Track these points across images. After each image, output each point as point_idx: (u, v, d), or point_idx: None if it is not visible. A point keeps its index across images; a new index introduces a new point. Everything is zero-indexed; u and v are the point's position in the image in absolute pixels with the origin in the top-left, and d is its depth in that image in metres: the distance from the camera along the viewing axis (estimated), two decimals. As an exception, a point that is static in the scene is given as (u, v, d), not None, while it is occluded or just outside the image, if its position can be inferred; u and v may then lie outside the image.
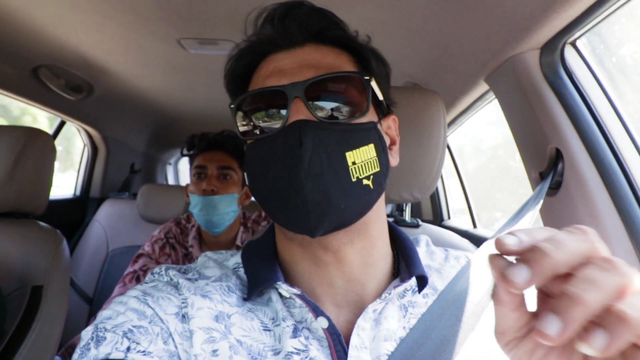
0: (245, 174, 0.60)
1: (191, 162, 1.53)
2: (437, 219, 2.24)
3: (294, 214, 0.52)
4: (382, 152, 0.56)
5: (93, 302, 2.09)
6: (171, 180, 3.60)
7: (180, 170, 3.71)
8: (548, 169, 0.93)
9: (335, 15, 0.61)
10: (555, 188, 0.93)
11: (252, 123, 0.58)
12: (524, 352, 0.35)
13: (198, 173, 1.46)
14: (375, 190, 0.55)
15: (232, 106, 0.59)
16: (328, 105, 0.55)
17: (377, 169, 0.55)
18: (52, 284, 1.05)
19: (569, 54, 0.91)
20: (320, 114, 0.53)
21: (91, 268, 2.13)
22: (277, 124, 0.54)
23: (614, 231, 0.83)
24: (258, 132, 0.57)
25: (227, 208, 1.44)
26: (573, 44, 0.91)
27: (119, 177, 2.59)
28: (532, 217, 0.71)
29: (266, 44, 0.60)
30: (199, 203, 1.42)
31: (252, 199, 1.58)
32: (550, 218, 0.98)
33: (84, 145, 2.43)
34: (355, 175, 0.52)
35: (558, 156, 0.91)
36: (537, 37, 0.88)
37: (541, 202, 0.77)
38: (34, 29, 1.31)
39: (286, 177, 0.51)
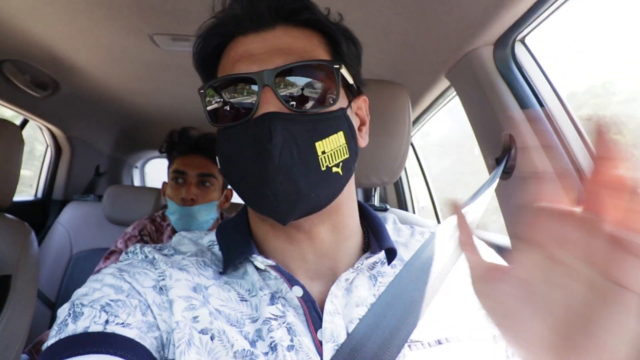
0: (217, 157, 0.60)
1: (170, 162, 1.48)
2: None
3: (265, 203, 0.54)
4: (351, 139, 0.58)
5: (55, 307, 2.01)
6: (137, 184, 3.52)
7: (147, 174, 3.64)
8: (502, 155, 1.02)
9: None
10: (509, 172, 1.01)
11: (221, 108, 0.58)
12: (494, 296, 0.36)
13: (177, 178, 1.41)
14: (345, 176, 0.57)
15: (202, 91, 0.59)
16: (297, 93, 0.55)
17: (347, 156, 0.56)
18: (20, 274, 1.03)
19: (519, 50, 1.01)
20: (289, 103, 0.54)
21: (54, 272, 2.06)
22: (246, 112, 0.55)
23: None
24: (228, 118, 0.57)
25: (207, 217, 1.41)
26: (522, 41, 1.00)
27: (83, 180, 2.52)
28: (489, 196, 0.78)
29: (234, 24, 0.58)
30: (177, 211, 1.38)
31: (232, 201, 1.58)
32: (506, 200, 1.06)
33: (47, 146, 2.36)
34: (325, 164, 0.54)
35: (511, 142, 0.99)
36: (490, 33, 0.97)
37: (496, 182, 0.84)
38: (1, 22, 1.28)
39: (256, 170, 0.52)
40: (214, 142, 1.41)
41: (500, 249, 1.19)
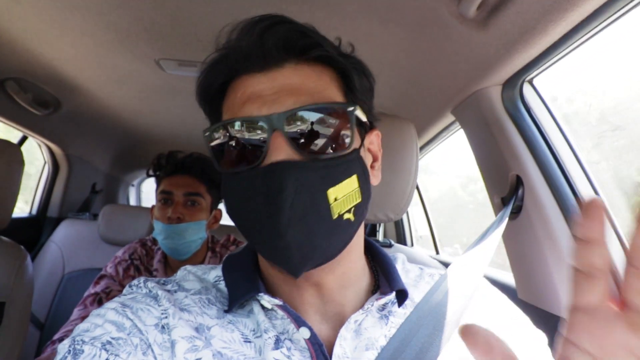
0: (223, 200, 0.58)
1: (157, 184, 1.46)
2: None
3: (275, 255, 0.52)
4: (364, 182, 0.55)
5: (45, 328, 1.95)
6: (133, 202, 3.49)
7: (143, 192, 3.61)
8: (510, 195, 1.01)
9: (317, 32, 0.57)
10: (516, 212, 1.01)
11: (227, 151, 0.55)
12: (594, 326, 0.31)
13: (164, 199, 1.39)
14: (357, 221, 0.55)
15: (207, 134, 0.56)
16: (309, 137, 0.51)
17: (359, 200, 0.54)
18: (14, 301, 1.00)
19: (527, 90, 1.01)
20: (300, 148, 0.51)
21: (44, 291, 2.00)
22: (254, 157, 0.52)
23: (569, 251, 0.90)
24: (234, 162, 0.54)
25: (194, 236, 1.38)
26: (530, 82, 1.01)
27: (79, 197, 2.48)
28: (497, 238, 0.77)
29: (241, 60, 0.55)
30: (163, 231, 1.36)
31: (221, 222, 1.56)
32: (512, 240, 1.05)
33: (44, 163, 2.33)
34: (337, 212, 0.51)
35: (518, 182, 0.99)
36: (499, 74, 0.97)
37: (504, 225, 0.83)
38: (7, 41, 1.28)
39: (266, 222, 0.50)
40: (200, 162, 1.43)
41: (503, 287, 1.18)
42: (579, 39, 0.78)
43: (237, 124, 0.53)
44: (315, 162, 0.51)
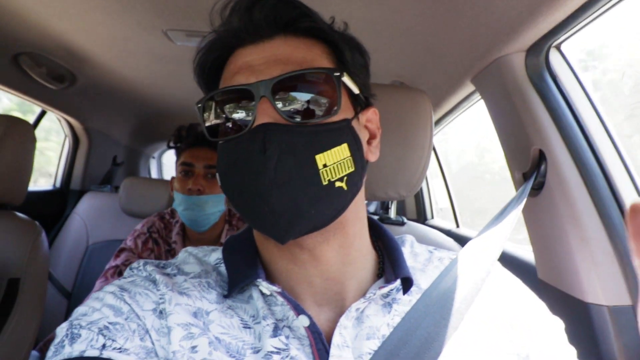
0: (217, 172, 0.58)
1: (178, 156, 1.48)
2: (421, 219, 2.26)
3: (262, 220, 0.51)
4: (357, 151, 0.55)
5: (72, 297, 2.04)
6: (154, 174, 3.55)
7: (164, 164, 3.66)
8: (531, 170, 0.95)
9: (305, 5, 0.58)
10: (537, 189, 0.95)
11: (220, 124, 0.56)
12: None
13: (184, 170, 1.41)
14: (350, 191, 0.54)
15: (199, 105, 0.57)
16: (296, 104, 0.52)
17: (352, 169, 0.53)
18: (29, 277, 1.03)
19: (554, 57, 0.93)
20: (287, 114, 0.52)
21: (70, 262, 2.09)
22: (244, 124, 0.53)
23: (593, 232, 0.85)
24: (225, 133, 0.56)
25: (214, 208, 1.40)
26: (558, 48, 0.92)
27: (100, 170, 2.54)
28: (516, 217, 0.73)
29: (233, 37, 0.57)
30: (183, 202, 1.38)
31: None
32: (532, 218, 1.00)
33: (65, 136, 2.37)
34: (327, 179, 0.51)
35: (541, 157, 0.92)
36: (523, 39, 0.89)
37: (524, 202, 0.79)
38: (17, 15, 1.27)
39: (252, 185, 0.50)
40: None
41: (524, 265, 1.13)
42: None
43: (226, 94, 0.55)
44: (301, 127, 0.52)
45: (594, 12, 0.75)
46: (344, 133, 0.54)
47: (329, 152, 0.51)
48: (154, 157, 3.45)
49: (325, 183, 0.51)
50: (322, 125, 0.53)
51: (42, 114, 2.12)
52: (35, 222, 1.16)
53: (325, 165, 0.51)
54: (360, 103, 0.60)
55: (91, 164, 2.45)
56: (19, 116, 1.16)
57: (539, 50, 0.91)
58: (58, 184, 2.40)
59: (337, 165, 0.52)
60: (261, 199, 0.49)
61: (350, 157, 0.53)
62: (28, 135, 1.18)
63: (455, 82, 1.25)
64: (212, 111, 0.57)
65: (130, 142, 2.81)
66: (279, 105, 0.52)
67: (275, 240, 0.52)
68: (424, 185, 2.19)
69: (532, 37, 0.88)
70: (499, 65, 1.00)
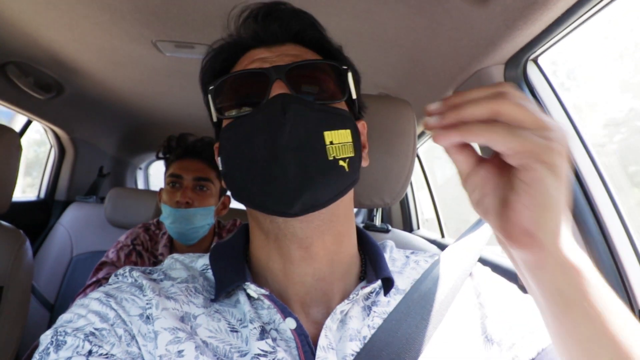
0: (219, 159, 0.59)
1: (167, 167, 1.44)
2: (407, 229, 2.28)
3: (272, 187, 0.52)
4: (357, 141, 0.57)
5: (54, 309, 2.00)
6: (141, 186, 3.51)
7: (151, 175, 3.63)
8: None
9: (313, 17, 0.64)
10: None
11: (231, 104, 0.59)
12: (475, 185, 0.43)
13: (173, 182, 1.37)
14: (350, 175, 0.55)
15: (211, 87, 0.60)
16: (307, 89, 0.57)
17: (352, 154, 0.56)
18: (13, 285, 1.02)
19: (531, 69, 0.97)
20: (300, 93, 0.56)
21: (53, 273, 2.05)
22: (257, 103, 0.56)
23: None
24: (237, 109, 0.59)
25: (202, 222, 1.36)
26: (534, 61, 0.96)
27: (86, 180, 2.51)
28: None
29: (249, 39, 0.63)
30: (171, 215, 1.34)
31: (229, 207, 1.55)
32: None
33: (51, 147, 2.35)
34: (332, 155, 0.53)
35: (520, 166, 0.95)
36: (501, 52, 0.93)
37: None
38: (5, 24, 1.27)
39: (269, 145, 0.52)
40: (212, 146, 1.40)
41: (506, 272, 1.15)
42: (584, 14, 0.74)
43: (240, 77, 0.59)
44: (313, 104, 0.55)
45: (567, 26, 0.79)
46: (348, 121, 0.57)
47: (336, 132, 0.54)
48: (140, 168, 3.42)
49: (330, 158, 0.53)
50: (331, 108, 0.57)
51: (28, 124, 2.11)
52: (20, 230, 1.15)
53: (331, 142, 0.54)
54: (355, 112, 0.64)
55: (77, 175, 2.42)
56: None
57: (517, 63, 0.95)
58: (43, 195, 2.37)
59: (341, 145, 0.54)
60: (275, 160, 0.51)
61: (351, 143, 0.56)
62: (13, 143, 1.17)
63: (439, 93, 1.28)
64: (225, 94, 0.60)
65: (117, 153, 2.78)
66: (293, 86, 0.56)
67: (282, 210, 0.52)
68: (410, 196, 2.21)
69: (510, 50, 0.92)
70: (479, 77, 1.03)
